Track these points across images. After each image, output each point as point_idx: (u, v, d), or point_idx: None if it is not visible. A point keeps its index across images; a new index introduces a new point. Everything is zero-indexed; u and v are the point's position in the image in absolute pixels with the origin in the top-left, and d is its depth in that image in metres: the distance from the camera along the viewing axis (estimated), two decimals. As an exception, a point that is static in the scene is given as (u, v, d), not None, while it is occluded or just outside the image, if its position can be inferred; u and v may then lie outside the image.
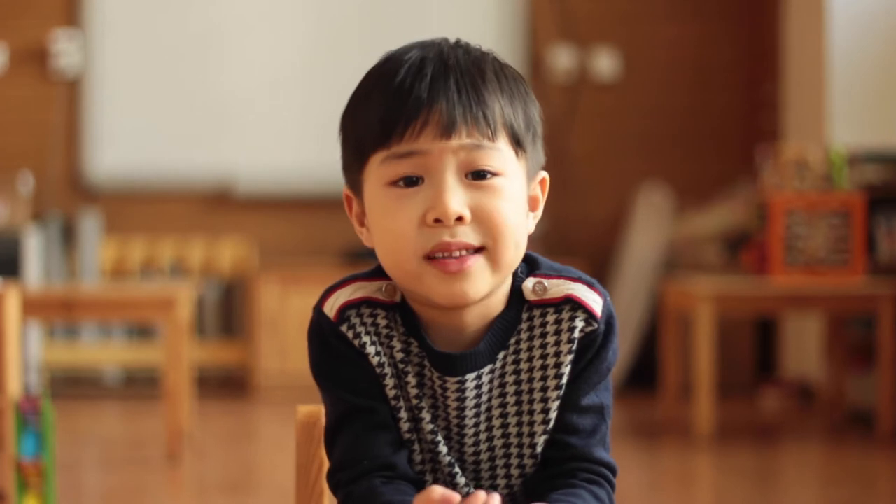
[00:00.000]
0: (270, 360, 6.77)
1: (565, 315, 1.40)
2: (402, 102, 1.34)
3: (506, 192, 1.36)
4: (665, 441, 5.27)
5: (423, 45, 1.40)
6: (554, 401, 1.40)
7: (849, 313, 5.51)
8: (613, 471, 1.43)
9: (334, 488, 1.42)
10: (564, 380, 1.40)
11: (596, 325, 1.40)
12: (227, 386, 6.92)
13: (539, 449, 1.42)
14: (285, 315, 6.79)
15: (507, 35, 7.25)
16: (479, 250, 1.35)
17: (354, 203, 1.43)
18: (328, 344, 1.41)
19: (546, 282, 1.42)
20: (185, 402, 4.89)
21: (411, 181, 1.35)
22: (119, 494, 4.33)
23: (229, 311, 7.03)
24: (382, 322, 1.41)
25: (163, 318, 4.84)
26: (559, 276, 1.42)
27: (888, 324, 5.14)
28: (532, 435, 1.41)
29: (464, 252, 1.34)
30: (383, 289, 1.41)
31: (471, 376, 1.39)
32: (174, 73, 7.19)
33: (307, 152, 7.13)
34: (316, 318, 1.42)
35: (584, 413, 1.41)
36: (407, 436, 1.42)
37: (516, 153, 1.38)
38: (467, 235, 1.34)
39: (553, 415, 1.40)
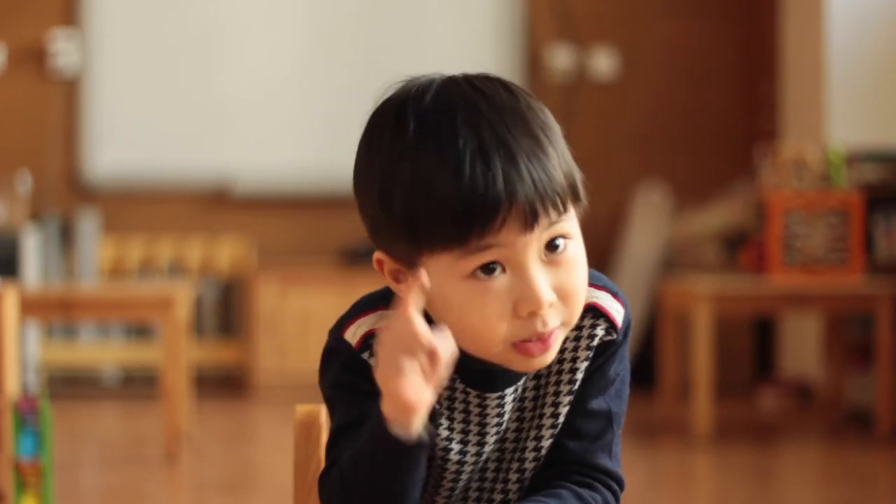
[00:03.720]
0: (269, 359, 6.77)
1: (587, 322, 1.38)
2: (477, 199, 1.25)
3: (578, 257, 1.32)
4: (663, 440, 5.27)
5: (452, 103, 1.30)
6: (565, 406, 1.39)
7: (847, 312, 5.51)
8: (616, 480, 1.40)
9: (324, 481, 1.37)
10: (577, 385, 1.38)
11: (615, 336, 1.39)
12: (225, 385, 6.92)
13: (544, 452, 1.40)
14: (284, 314, 6.79)
15: (505, 34, 7.25)
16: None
17: (388, 262, 1.34)
18: (349, 368, 1.37)
19: None
20: (183, 402, 4.89)
21: (490, 269, 1.28)
22: (117, 494, 4.33)
23: (228, 311, 7.03)
24: None
25: (161, 317, 4.84)
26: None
27: (886, 323, 5.14)
28: (539, 438, 1.40)
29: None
30: None
31: (509, 390, 1.38)
32: (172, 72, 7.19)
33: (306, 152, 7.13)
34: (332, 344, 1.38)
35: (589, 417, 1.39)
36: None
37: (575, 206, 1.34)
38: (554, 318, 1.30)
39: (561, 420, 1.39)
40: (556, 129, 1.36)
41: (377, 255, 1.35)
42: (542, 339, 1.30)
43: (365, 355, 1.36)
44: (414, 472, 1.28)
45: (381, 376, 1.24)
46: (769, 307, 5.60)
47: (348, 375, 1.35)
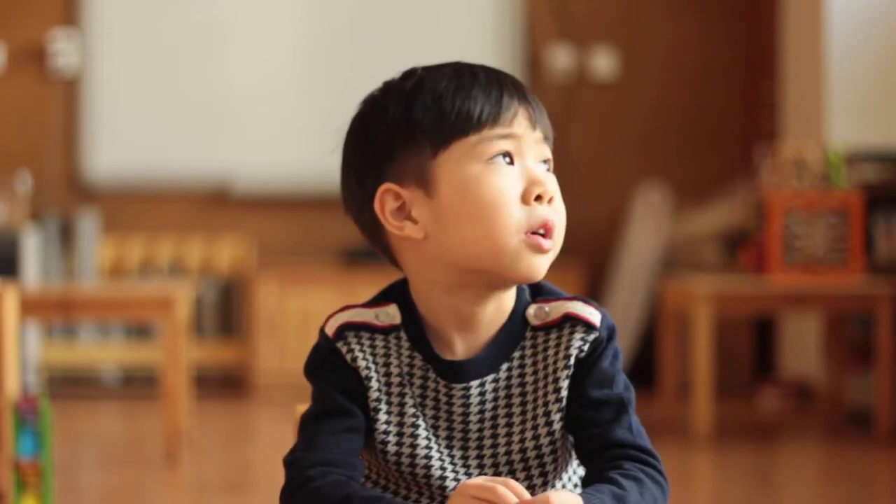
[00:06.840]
0: (269, 359, 6.77)
1: (565, 332, 1.48)
2: (497, 96, 1.46)
3: (558, 190, 1.49)
4: (663, 440, 5.27)
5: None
6: (555, 413, 1.47)
7: (847, 312, 5.51)
8: (644, 450, 1.49)
9: (291, 462, 1.45)
10: (563, 393, 1.46)
11: (597, 333, 1.48)
12: (225, 385, 6.92)
13: (547, 459, 1.47)
14: (284, 314, 6.79)
15: (504, 34, 7.25)
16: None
17: (390, 199, 1.48)
18: (325, 356, 1.49)
19: (547, 306, 1.50)
20: (183, 402, 4.89)
21: (504, 159, 1.45)
22: (117, 494, 4.33)
23: (228, 311, 7.03)
24: (381, 348, 1.48)
25: (161, 317, 4.84)
26: (557, 299, 1.51)
27: (886, 323, 5.14)
28: (538, 448, 1.47)
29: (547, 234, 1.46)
30: (378, 316, 1.49)
31: (475, 383, 1.47)
32: (172, 72, 7.19)
33: (306, 151, 7.13)
34: (319, 339, 1.51)
35: (599, 406, 1.47)
36: (394, 458, 1.47)
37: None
38: (553, 214, 1.46)
39: (556, 426, 1.47)
40: None
41: (383, 187, 1.48)
42: (547, 238, 1.45)
43: (339, 344, 1.48)
44: None
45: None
46: (769, 307, 5.60)
47: (320, 360, 1.49)
